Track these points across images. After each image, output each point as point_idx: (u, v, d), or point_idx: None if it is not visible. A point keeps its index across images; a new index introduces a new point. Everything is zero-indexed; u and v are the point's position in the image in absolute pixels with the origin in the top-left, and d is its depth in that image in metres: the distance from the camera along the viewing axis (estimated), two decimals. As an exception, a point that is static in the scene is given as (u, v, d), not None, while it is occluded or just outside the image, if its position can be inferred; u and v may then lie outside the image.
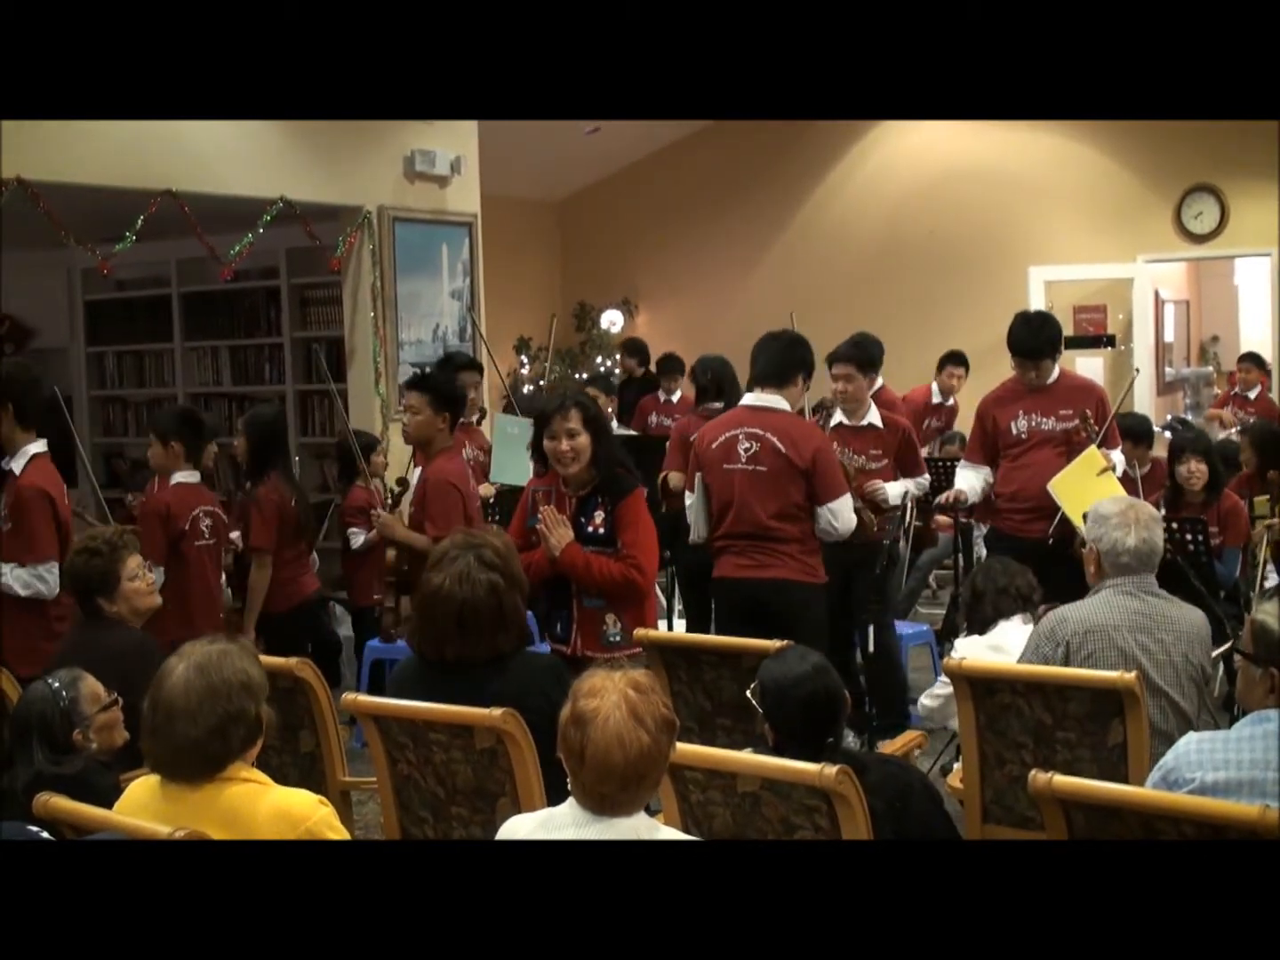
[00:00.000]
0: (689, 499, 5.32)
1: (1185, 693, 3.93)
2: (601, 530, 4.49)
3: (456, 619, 3.47)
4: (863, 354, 6.10)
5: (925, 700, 4.81)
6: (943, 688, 4.58)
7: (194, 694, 2.73)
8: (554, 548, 4.45)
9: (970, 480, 6.06)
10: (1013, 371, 6.05)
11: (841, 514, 5.10)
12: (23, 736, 3.44)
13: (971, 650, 4.45)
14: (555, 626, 4.61)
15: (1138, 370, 7.23)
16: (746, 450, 5.10)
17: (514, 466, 6.63)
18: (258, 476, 5.86)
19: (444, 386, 5.69)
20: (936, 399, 9.07)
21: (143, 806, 2.80)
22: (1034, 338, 5.90)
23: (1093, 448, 5.70)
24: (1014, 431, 5.91)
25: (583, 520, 4.52)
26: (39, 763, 3.38)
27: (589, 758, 2.42)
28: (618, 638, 4.46)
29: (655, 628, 4.58)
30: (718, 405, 6.44)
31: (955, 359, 9.06)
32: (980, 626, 4.63)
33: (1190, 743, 3.00)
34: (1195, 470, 6.28)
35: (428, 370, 6.27)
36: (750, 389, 5.30)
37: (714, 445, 5.18)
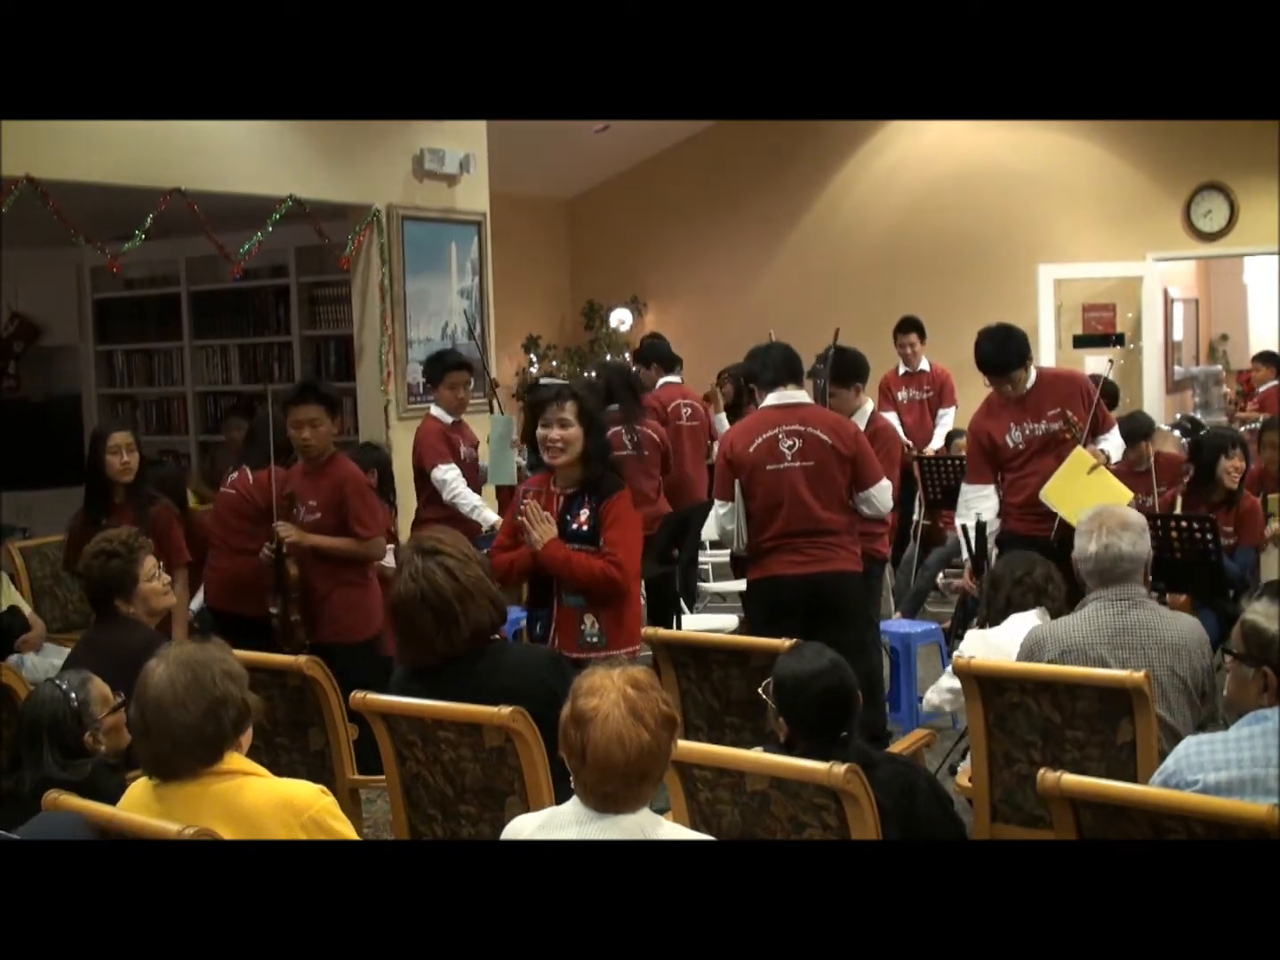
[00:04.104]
0: (721, 508, 5.23)
1: (1173, 707, 3.87)
2: (586, 528, 4.44)
3: (429, 612, 3.48)
4: (836, 369, 5.98)
5: (931, 697, 4.76)
6: (949, 679, 4.55)
7: (180, 686, 2.77)
8: (536, 542, 4.41)
9: (988, 515, 5.85)
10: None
11: (881, 497, 5.21)
12: (33, 739, 3.43)
13: (974, 647, 4.42)
14: (535, 626, 4.58)
15: (1111, 361, 7.21)
16: (791, 448, 5.09)
17: (507, 467, 6.65)
18: (141, 491, 5.70)
19: (334, 393, 5.62)
20: (903, 370, 9.19)
21: (144, 805, 2.82)
22: (1000, 352, 5.79)
23: (1078, 448, 5.68)
24: (1010, 445, 5.82)
25: (568, 518, 4.48)
26: (47, 767, 3.37)
27: (590, 757, 2.42)
28: (595, 639, 4.41)
29: (638, 630, 4.55)
30: (613, 408, 6.70)
31: (900, 327, 9.15)
32: (995, 615, 4.59)
33: (1190, 745, 3.00)
34: (1240, 466, 6.27)
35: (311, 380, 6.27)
36: (768, 390, 5.27)
37: (751, 449, 5.13)
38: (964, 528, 5.85)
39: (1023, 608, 4.52)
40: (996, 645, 4.41)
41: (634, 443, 6.77)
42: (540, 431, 4.49)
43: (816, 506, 5.06)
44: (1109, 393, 8.18)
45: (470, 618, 3.51)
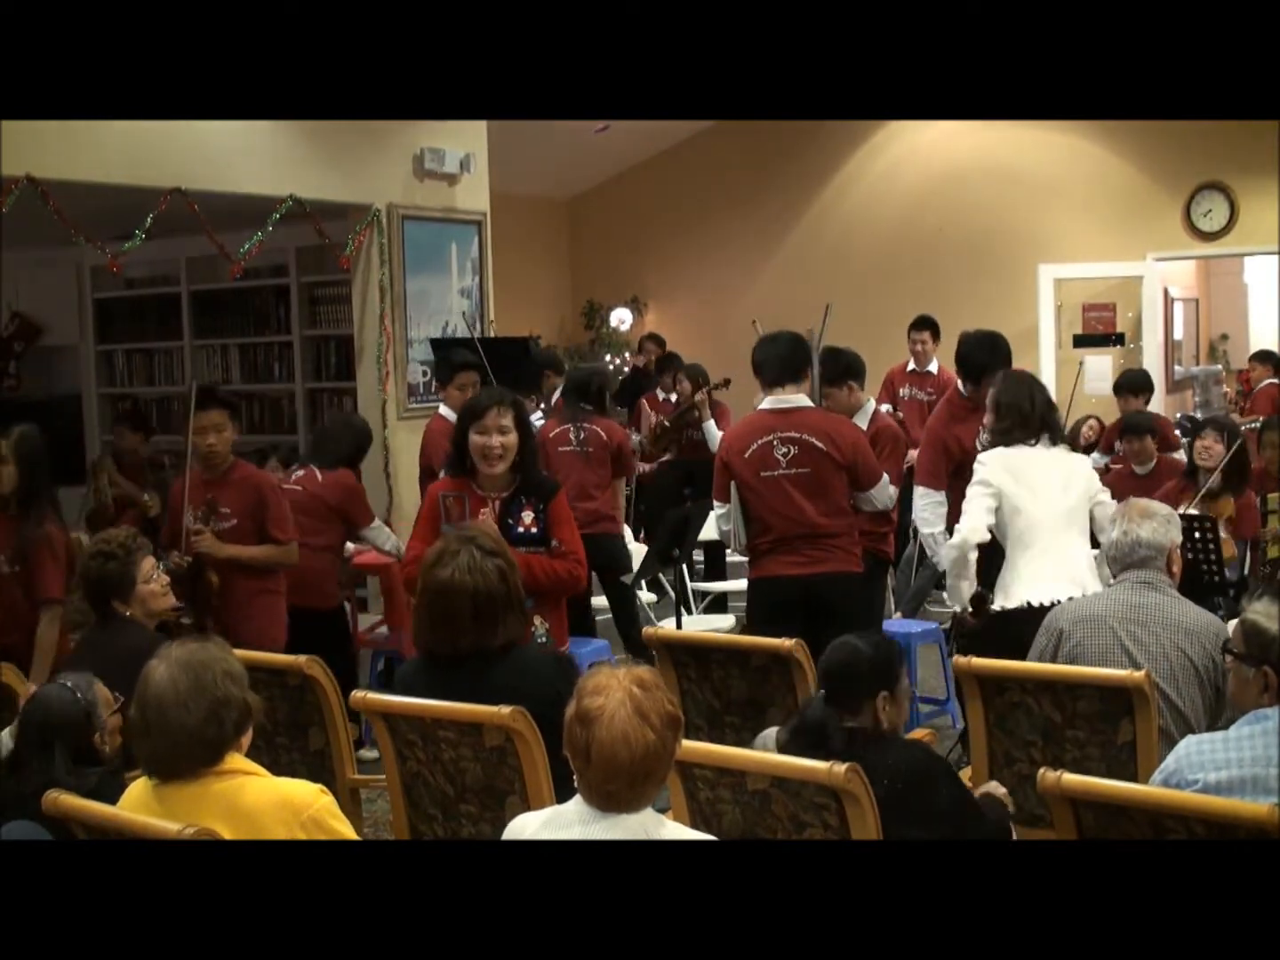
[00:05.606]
0: (719, 509, 5.21)
1: (1181, 689, 3.88)
2: (534, 530, 4.40)
3: (471, 608, 3.48)
4: (827, 369, 5.93)
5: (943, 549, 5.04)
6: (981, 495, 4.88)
7: (182, 687, 2.77)
8: None
9: (941, 523, 5.78)
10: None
11: (879, 495, 5.23)
12: (43, 743, 3.36)
13: (993, 466, 4.89)
14: None
15: (1083, 361, 7.24)
16: (785, 454, 5.03)
17: None
18: (33, 510, 4.83)
19: (233, 399, 5.52)
20: (911, 367, 9.11)
21: (144, 805, 2.82)
22: (994, 360, 5.65)
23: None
24: (979, 447, 5.78)
25: (510, 522, 4.41)
26: (56, 772, 3.32)
27: (595, 756, 2.42)
28: (544, 638, 4.37)
29: (566, 626, 4.56)
30: (588, 408, 6.99)
31: (915, 324, 9.09)
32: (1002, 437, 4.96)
33: (1190, 745, 3.01)
34: (1212, 448, 6.23)
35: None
36: (768, 390, 5.21)
37: (746, 454, 5.08)
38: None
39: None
40: (1012, 464, 4.89)
41: (579, 439, 6.88)
42: (479, 439, 4.37)
43: (813, 513, 5.03)
44: (1143, 386, 8.22)
45: (508, 626, 3.54)
